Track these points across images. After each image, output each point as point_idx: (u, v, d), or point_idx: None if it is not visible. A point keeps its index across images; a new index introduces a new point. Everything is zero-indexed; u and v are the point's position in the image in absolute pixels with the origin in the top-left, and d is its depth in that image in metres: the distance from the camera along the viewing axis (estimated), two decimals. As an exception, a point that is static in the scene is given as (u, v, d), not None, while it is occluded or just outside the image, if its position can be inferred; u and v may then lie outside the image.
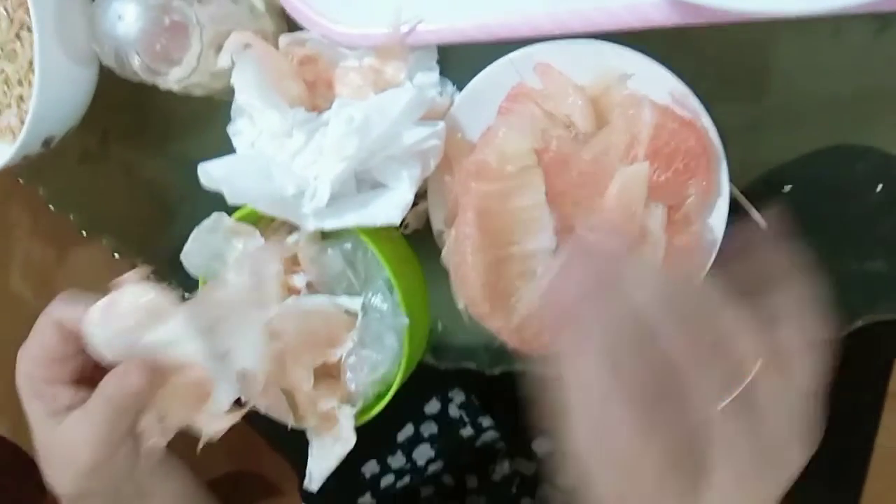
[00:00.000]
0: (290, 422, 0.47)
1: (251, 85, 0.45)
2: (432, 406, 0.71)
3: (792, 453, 0.30)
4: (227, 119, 0.48)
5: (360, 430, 0.46)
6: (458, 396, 0.70)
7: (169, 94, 0.48)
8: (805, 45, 0.43)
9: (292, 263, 0.47)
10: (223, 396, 0.41)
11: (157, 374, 0.41)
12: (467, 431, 0.69)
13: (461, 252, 0.41)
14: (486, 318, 0.41)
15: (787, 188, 0.44)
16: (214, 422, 0.42)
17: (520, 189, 0.40)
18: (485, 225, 0.40)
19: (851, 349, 0.49)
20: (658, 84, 0.41)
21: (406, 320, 0.44)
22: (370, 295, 0.46)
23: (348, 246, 0.45)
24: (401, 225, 0.49)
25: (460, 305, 0.42)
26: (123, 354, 0.40)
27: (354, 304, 0.45)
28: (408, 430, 0.70)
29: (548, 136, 0.40)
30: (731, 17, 0.39)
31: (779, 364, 0.30)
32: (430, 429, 0.70)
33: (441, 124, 0.43)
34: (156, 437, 0.42)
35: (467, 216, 0.40)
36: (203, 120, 0.53)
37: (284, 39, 0.47)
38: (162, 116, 0.55)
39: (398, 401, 0.46)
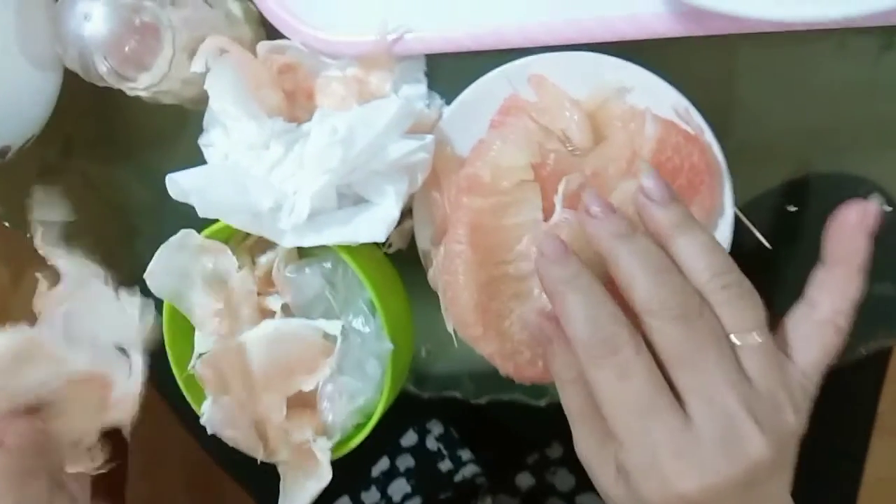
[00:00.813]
0: (260, 455, 0.43)
1: (227, 92, 0.43)
2: (409, 438, 0.68)
3: (784, 412, 0.30)
4: (198, 130, 0.45)
5: (333, 465, 0.43)
6: (436, 428, 0.68)
7: (136, 103, 0.45)
8: (808, 64, 0.41)
9: (267, 284, 0.44)
10: (122, 381, 0.39)
11: (45, 411, 0.37)
12: (446, 465, 0.66)
13: (452, 270, 0.38)
14: (478, 341, 0.38)
15: (792, 209, 0.42)
16: (125, 405, 0.39)
17: (515, 205, 0.37)
18: (477, 242, 0.37)
19: (839, 377, 0.48)
20: (658, 98, 0.39)
21: (390, 346, 0.41)
22: (350, 318, 0.43)
23: (328, 265, 0.42)
24: (384, 244, 0.46)
25: (450, 328, 0.39)
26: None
27: (333, 327, 0.42)
28: (383, 464, 0.67)
29: (545, 151, 0.38)
30: (736, 27, 0.37)
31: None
32: (406, 462, 0.67)
33: (430, 137, 0.40)
34: (85, 463, 0.38)
35: (458, 232, 0.38)
36: (172, 131, 0.50)
37: (263, 47, 0.45)
38: (128, 127, 0.52)
39: (373, 432, 0.43)
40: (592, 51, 0.40)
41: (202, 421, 0.43)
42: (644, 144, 0.37)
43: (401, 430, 0.68)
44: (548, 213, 0.38)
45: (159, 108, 0.46)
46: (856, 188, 0.43)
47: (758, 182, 0.43)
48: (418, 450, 0.67)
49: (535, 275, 0.38)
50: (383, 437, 0.67)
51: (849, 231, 0.32)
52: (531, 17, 0.40)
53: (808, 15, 0.31)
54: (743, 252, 0.40)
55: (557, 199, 0.38)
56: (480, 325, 0.38)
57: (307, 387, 0.42)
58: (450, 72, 0.45)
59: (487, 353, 0.38)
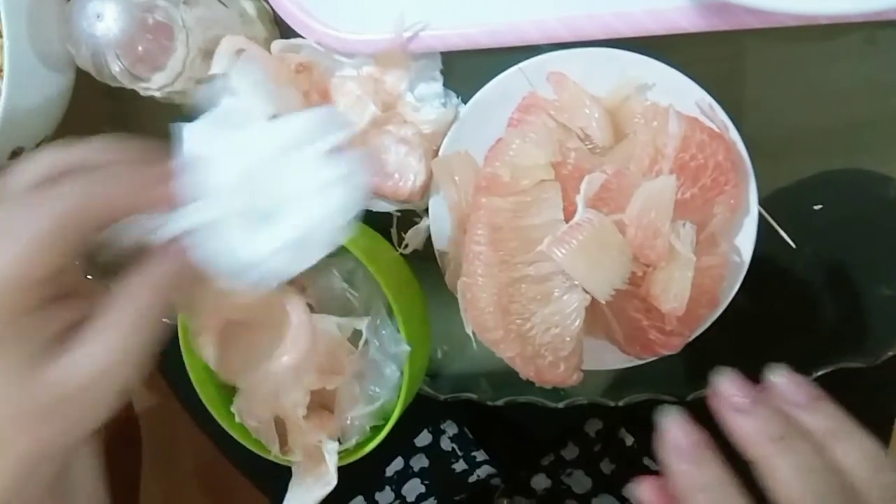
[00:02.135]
0: (275, 450, 0.43)
1: (254, 90, 0.42)
2: (423, 438, 0.68)
3: None
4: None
5: (347, 466, 0.43)
6: (450, 428, 0.67)
7: (151, 104, 0.45)
8: (834, 58, 0.40)
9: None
10: None
11: None
12: (460, 465, 0.66)
13: (471, 272, 0.37)
14: (498, 345, 0.37)
15: (818, 207, 0.42)
16: None
17: (535, 205, 0.37)
18: (497, 243, 0.37)
19: (859, 378, 0.47)
20: (681, 94, 0.38)
21: (408, 348, 0.40)
22: (369, 320, 0.42)
23: (349, 266, 0.41)
24: (400, 245, 0.46)
25: (469, 331, 0.39)
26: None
27: (360, 323, 0.41)
28: (397, 464, 0.66)
29: (565, 149, 0.37)
30: (760, 22, 0.36)
31: None
32: (420, 462, 0.66)
33: (361, 153, 0.35)
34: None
35: (478, 233, 0.37)
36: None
37: (277, 45, 0.44)
38: (142, 128, 0.51)
39: (388, 433, 0.43)
40: (612, 47, 0.39)
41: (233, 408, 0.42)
42: (667, 142, 0.36)
43: (415, 431, 0.68)
44: (568, 212, 0.37)
45: (174, 110, 0.46)
46: (882, 186, 0.42)
47: (780, 179, 0.42)
48: (433, 450, 0.67)
49: (556, 276, 0.37)
50: (398, 437, 0.66)
51: None
52: (550, 13, 0.39)
53: (838, 7, 0.30)
54: (766, 250, 0.40)
55: (579, 199, 0.37)
56: (501, 328, 0.37)
57: (331, 385, 0.42)
58: (466, 70, 0.44)
59: (508, 356, 0.37)
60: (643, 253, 0.36)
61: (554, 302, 0.38)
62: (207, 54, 0.43)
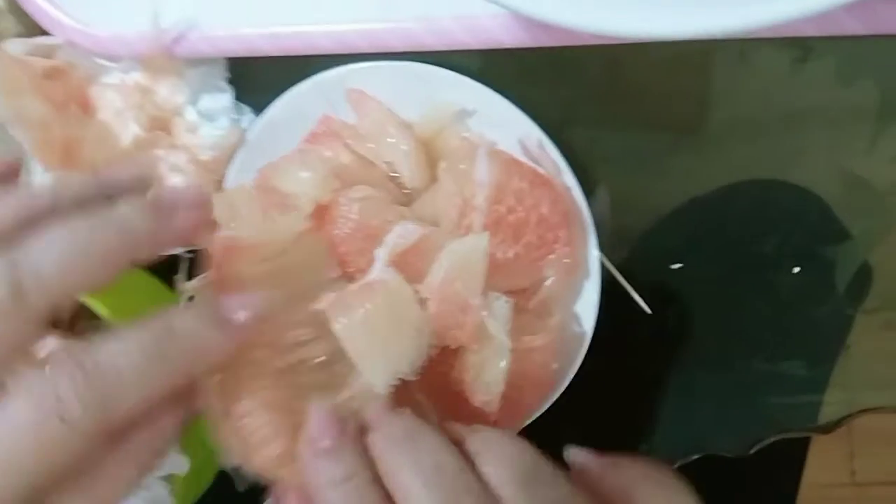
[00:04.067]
0: None
1: None
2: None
3: None
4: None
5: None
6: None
7: None
8: (704, 76, 0.32)
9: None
10: None
11: None
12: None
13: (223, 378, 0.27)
14: (282, 463, 0.28)
15: (677, 266, 0.34)
16: None
17: (290, 268, 0.28)
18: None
19: (752, 471, 0.41)
20: (506, 126, 0.30)
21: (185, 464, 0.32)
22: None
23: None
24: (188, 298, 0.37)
25: (230, 465, 0.28)
26: None
27: None
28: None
29: (343, 192, 0.29)
30: (595, 38, 0.28)
31: None
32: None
33: None
34: None
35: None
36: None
37: (20, 45, 0.35)
38: None
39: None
40: (430, 62, 0.31)
41: None
42: (477, 191, 0.28)
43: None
44: (352, 275, 0.29)
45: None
46: (749, 236, 0.34)
47: (634, 233, 0.34)
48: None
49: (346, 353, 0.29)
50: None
51: None
52: (344, 16, 0.30)
53: (666, 28, 0.22)
54: (617, 318, 0.32)
55: (380, 252, 0.29)
56: (279, 442, 0.27)
57: None
58: (265, 79, 0.35)
59: (298, 481, 0.28)
60: (449, 334, 0.28)
61: (347, 388, 0.29)
62: (-76, 56, 0.34)
